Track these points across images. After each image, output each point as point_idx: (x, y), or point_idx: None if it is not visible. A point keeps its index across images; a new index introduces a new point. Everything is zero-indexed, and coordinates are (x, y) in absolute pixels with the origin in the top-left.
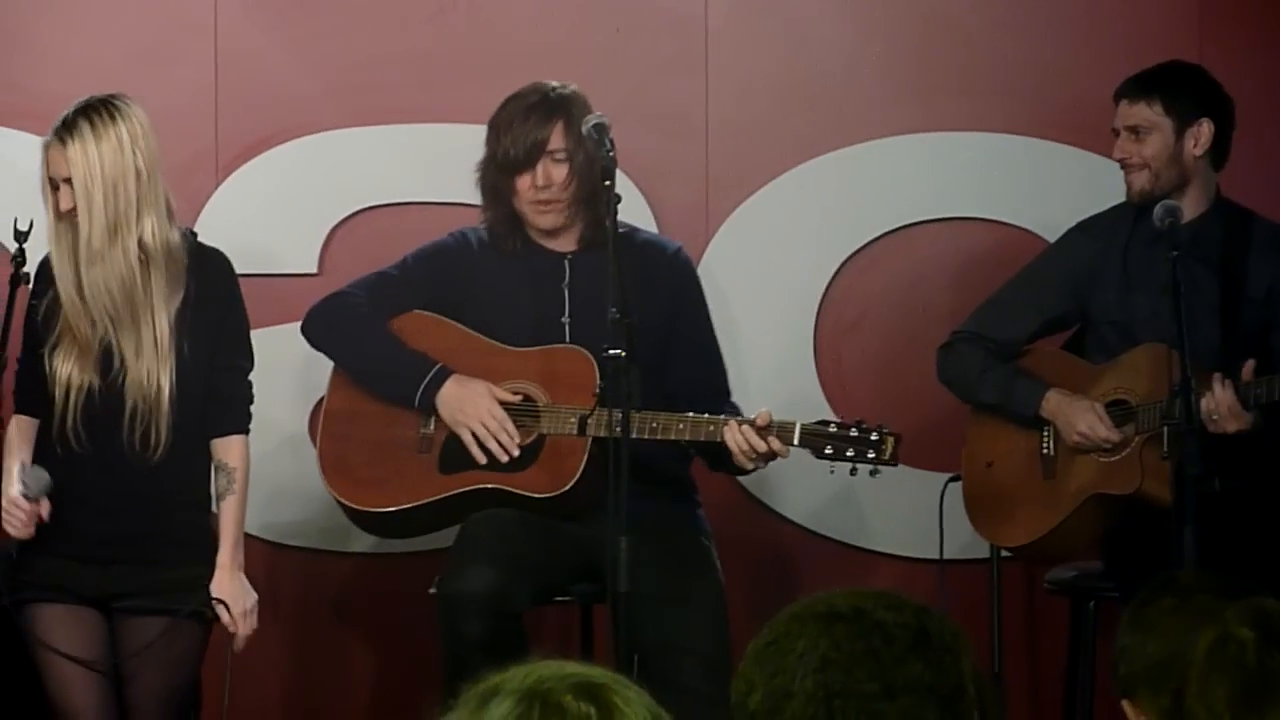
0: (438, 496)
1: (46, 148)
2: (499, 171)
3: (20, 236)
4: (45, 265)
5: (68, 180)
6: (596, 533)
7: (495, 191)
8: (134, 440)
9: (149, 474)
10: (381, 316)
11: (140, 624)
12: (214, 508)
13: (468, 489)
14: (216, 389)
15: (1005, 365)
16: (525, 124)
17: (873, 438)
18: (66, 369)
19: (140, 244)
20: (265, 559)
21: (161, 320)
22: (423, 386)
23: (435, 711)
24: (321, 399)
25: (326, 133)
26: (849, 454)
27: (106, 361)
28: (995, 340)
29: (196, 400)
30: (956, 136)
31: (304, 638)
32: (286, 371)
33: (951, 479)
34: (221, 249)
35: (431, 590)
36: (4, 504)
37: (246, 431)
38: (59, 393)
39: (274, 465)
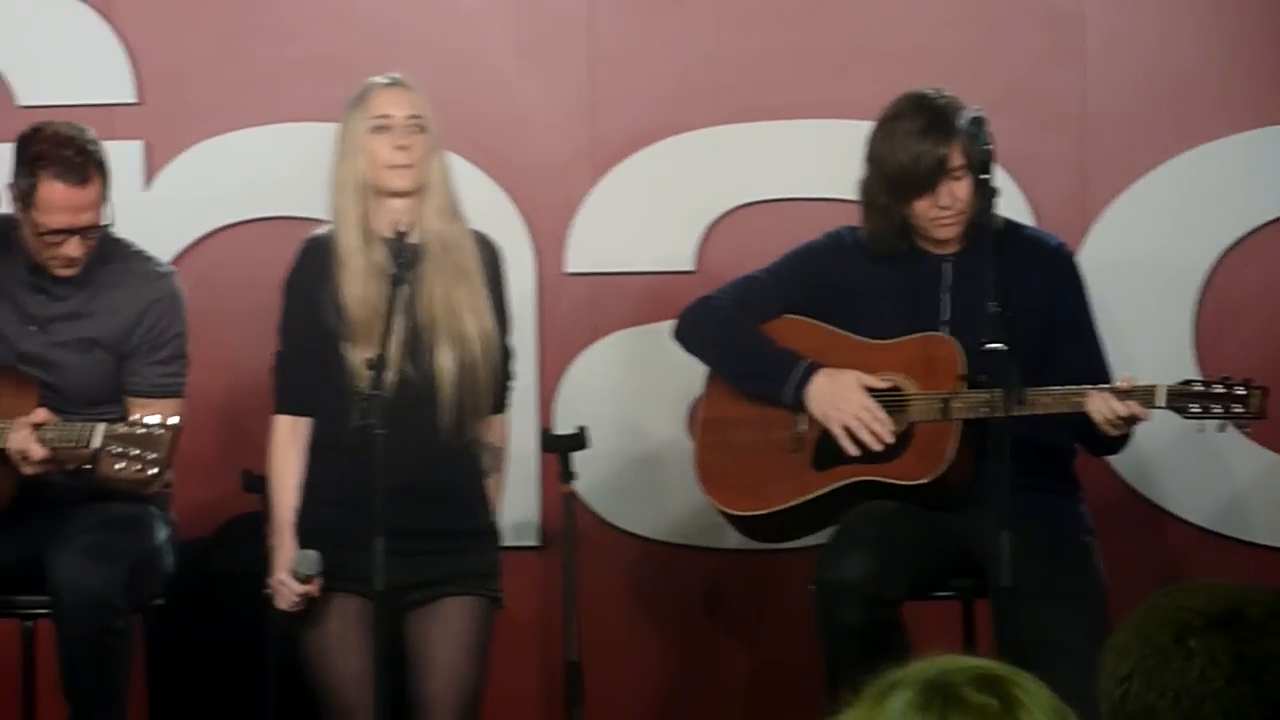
0: (812, 494)
1: (375, 90)
2: (892, 192)
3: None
4: (318, 245)
5: (413, 120)
6: (976, 526)
7: (885, 209)
8: (451, 420)
9: (454, 461)
10: (750, 318)
11: (442, 607)
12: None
13: (842, 484)
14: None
15: None
16: (924, 143)
17: (1239, 392)
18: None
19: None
20: (640, 555)
21: (478, 297)
22: (793, 382)
23: (822, 706)
24: (698, 397)
25: (703, 130)
26: (1215, 410)
27: (415, 347)
28: None
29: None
30: None
31: (677, 633)
32: (663, 370)
33: None
34: (599, 246)
35: (811, 586)
36: (274, 582)
37: (505, 410)
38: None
39: (649, 463)
